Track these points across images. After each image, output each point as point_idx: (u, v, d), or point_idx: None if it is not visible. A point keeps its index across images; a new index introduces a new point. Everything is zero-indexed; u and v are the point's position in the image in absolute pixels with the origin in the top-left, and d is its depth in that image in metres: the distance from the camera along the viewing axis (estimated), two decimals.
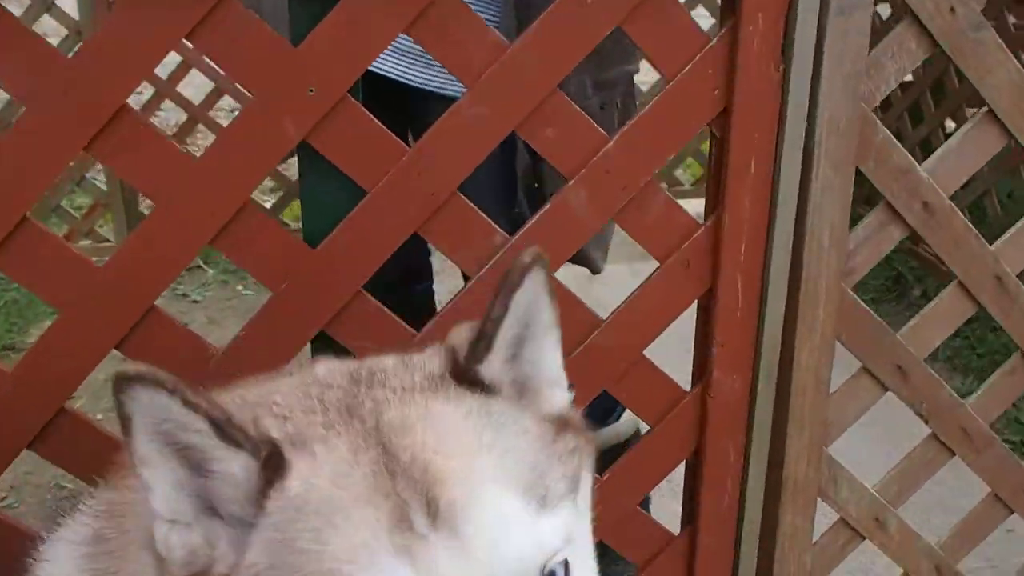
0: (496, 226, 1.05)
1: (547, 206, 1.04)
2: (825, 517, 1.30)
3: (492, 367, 0.70)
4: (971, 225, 1.20)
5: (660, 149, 1.06)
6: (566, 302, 1.09)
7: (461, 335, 0.72)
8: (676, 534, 1.25)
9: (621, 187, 1.05)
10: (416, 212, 1.00)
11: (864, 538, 1.33)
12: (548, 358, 0.74)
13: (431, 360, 0.71)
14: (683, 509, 1.26)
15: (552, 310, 0.71)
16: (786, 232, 1.11)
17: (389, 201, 0.99)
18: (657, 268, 1.11)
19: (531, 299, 0.70)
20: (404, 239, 1.01)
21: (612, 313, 1.12)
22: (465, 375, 0.70)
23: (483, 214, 1.04)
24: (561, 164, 1.04)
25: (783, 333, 1.15)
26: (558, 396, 0.75)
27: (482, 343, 0.69)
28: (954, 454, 1.32)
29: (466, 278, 1.12)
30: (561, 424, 0.72)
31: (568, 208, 1.05)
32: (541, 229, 1.04)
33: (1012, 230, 1.23)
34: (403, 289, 1.59)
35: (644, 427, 1.86)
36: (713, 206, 1.10)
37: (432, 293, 1.83)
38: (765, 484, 1.22)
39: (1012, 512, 1.38)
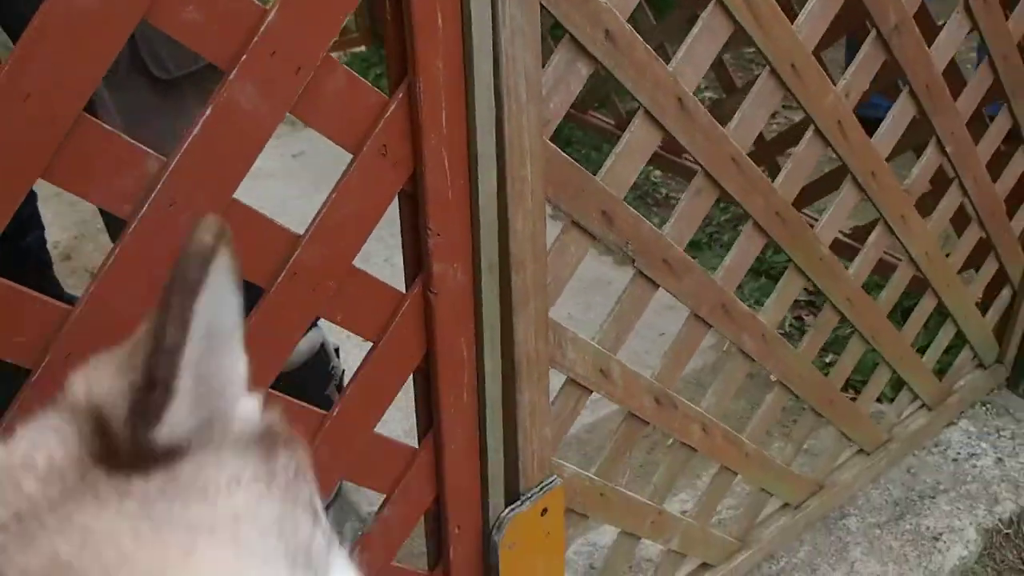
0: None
1: (207, 111, 0.80)
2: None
3: (175, 422, 0.41)
4: (652, 50, 1.12)
5: (330, 16, 0.85)
6: (255, 225, 0.88)
7: (103, 383, 0.41)
8: (417, 447, 1.12)
9: (293, 69, 0.84)
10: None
11: (591, 391, 1.28)
12: (237, 365, 0.46)
13: (50, 442, 0.40)
14: (419, 418, 1.12)
15: (238, 298, 0.44)
16: (486, 91, 0.96)
17: None
18: (352, 160, 0.92)
19: (218, 298, 0.43)
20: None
21: (311, 224, 0.92)
22: (132, 456, 0.40)
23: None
24: (215, 54, 0.80)
25: (499, 202, 1.02)
26: (250, 405, 0.47)
27: (155, 394, 0.40)
28: (658, 286, 1.29)
29: None
30: (268, 441, 0.46)
31: (238, 109, 0.82)
32: (210, 145, 0.81)
33: (684, 45, 1.18)
34: (12, 242, 1.28)
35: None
36: (401, 75, 0.92)
37: (44, 242, 1.53)
38: (501, 369, 1.12)
39: (710, 327, 1.40)
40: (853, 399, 1.90)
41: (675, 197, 3.08)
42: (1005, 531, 2.01)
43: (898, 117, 1.53)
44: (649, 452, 2.11)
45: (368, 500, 1.89)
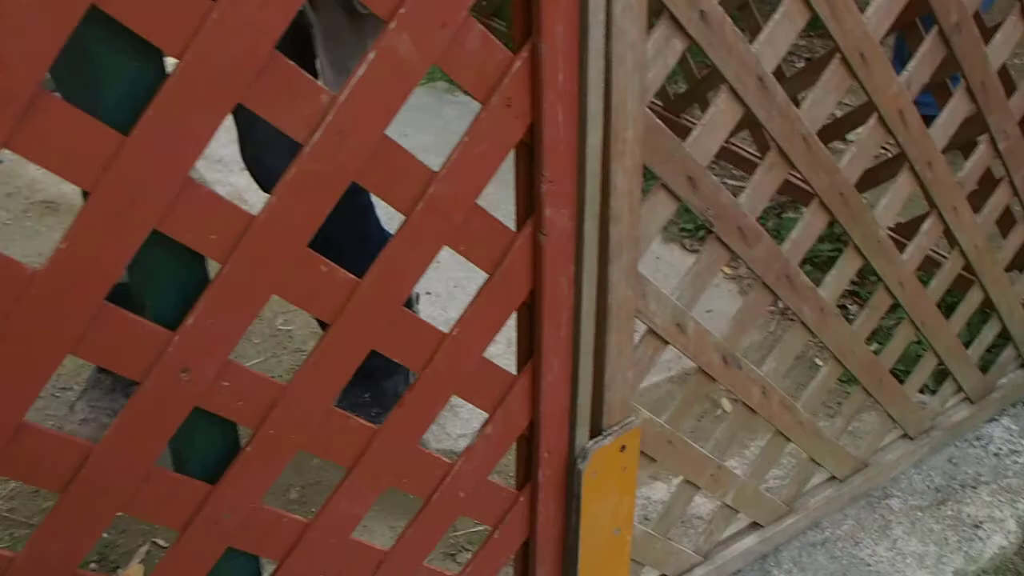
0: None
1: (371, 55, 0.96)
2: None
3: None
4: (739, 31, 1.26)
5: None
6: (400, 159, 1.03)
7: None
8: (516, 374, 1.26)
9: (440, 24, 0.99)
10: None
11: (667, 343, 1.42)
12: None
13: None
14: (519, 348, 1.26)
15: None
16: (598, 56, 1.10)
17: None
18: (481, 109, 1.07)
19: None
20: None
21: (445, 162, 1.06)
22: None
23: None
24: (379, 7, 0.95)
25: (603, 159, 1.16)
26: None
27: None
28: (731, 252, 1.43)
29: None
30: None
31: (396, 54, 0.97)
32: (371, 83, 0.96)
33: (766, 29, 1.32)
34: None
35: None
36: (526, 34, 1.07)
37: None
38: (596, 314, 1.25)
39: (776, 297, 1.53)
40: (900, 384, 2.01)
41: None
42: None
43: (953, 112, 1.66)
44: (699, 420, 2.23)
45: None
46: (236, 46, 0.85)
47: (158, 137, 0.84)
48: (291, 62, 0.91)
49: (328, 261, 1.01)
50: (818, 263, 2.68)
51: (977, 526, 2.06)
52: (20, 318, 0.83)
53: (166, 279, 0.94)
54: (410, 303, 1.93)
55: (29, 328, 0.84)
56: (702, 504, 1.97)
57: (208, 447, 1.05)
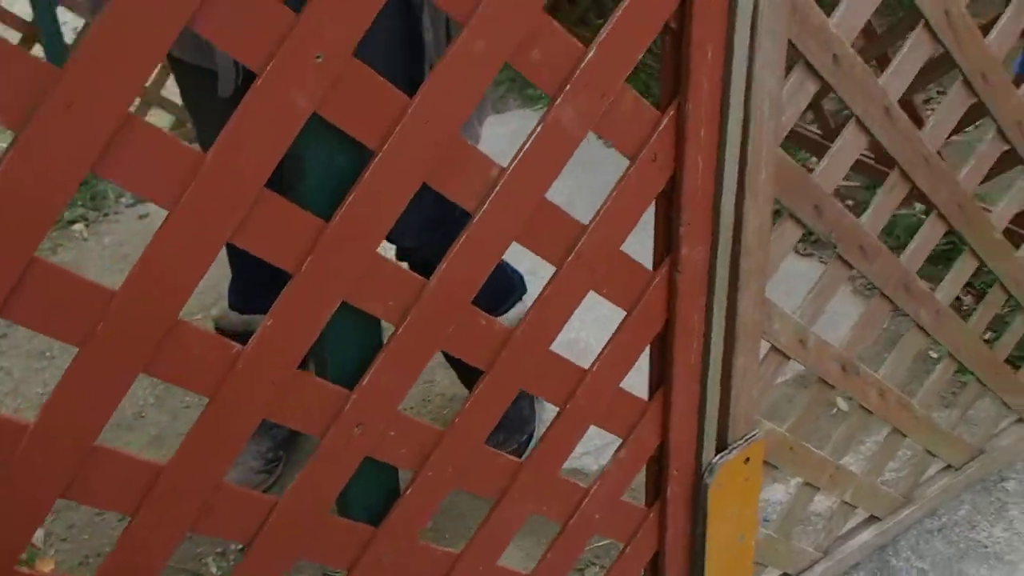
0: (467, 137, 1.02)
1: (540, 126, 1.02)
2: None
3: None
4: (868, 67, 1.30)
5: (630, 52, 1.06)
6: (557, 217, 1.10)
7: None
8: (648, 400, 1.34)
9: (600, 95, 1.05)
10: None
11: (789, 358, 1.48)
12: None
13: None
14: (651, 376, 1.34)
15: None
16: (738, 107, 1.15)
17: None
18: (629, 166, 1.13)
19: None
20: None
21: (594, 218, 1.13)
22: None
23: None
24: (546, 84, 1.01)
25: (737, 199, 1.22)
26: None
27: None
28: (852, 268, 1.47)
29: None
30: None
31: (560, 126, 1.03)
32: (537, 155, 1.03)
33: (895, 61, 1.35)
34: None
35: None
36: (673, 94, 1.12)
37: None
38: (725, 339, 1.32)
39: (895, 307, 1.58)
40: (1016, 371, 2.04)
41: None
42: None
43: None
44: (816, 419, 2.28)
45: None
46: (427, 134, 0.93)
47: (357, 219, 0.93)
48: (467, 143, 0.98)
49: (486, 315, 1.09)
50: (931, 257, 2.68)
51: None
52: (231, 390, 0.93)
53: (348, 342, 1.04)
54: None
55: (238, 399, 0.94)
56: (819, 501, 2.03)
57: (371, 491, 1.15)
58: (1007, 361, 1.95)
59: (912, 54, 1.34)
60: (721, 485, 1.42)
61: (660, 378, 1.33)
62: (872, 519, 1.91)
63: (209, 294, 2.73)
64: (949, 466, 2.01)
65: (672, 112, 1.12)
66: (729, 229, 1.23)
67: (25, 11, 3.28)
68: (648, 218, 1.21)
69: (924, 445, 1.88)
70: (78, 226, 3.18)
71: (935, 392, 1.84)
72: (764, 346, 1.44)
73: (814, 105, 3.18)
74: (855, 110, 1.31)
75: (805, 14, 1.19)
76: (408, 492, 1.14)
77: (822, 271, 1.49)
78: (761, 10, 1.11)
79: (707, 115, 1.14)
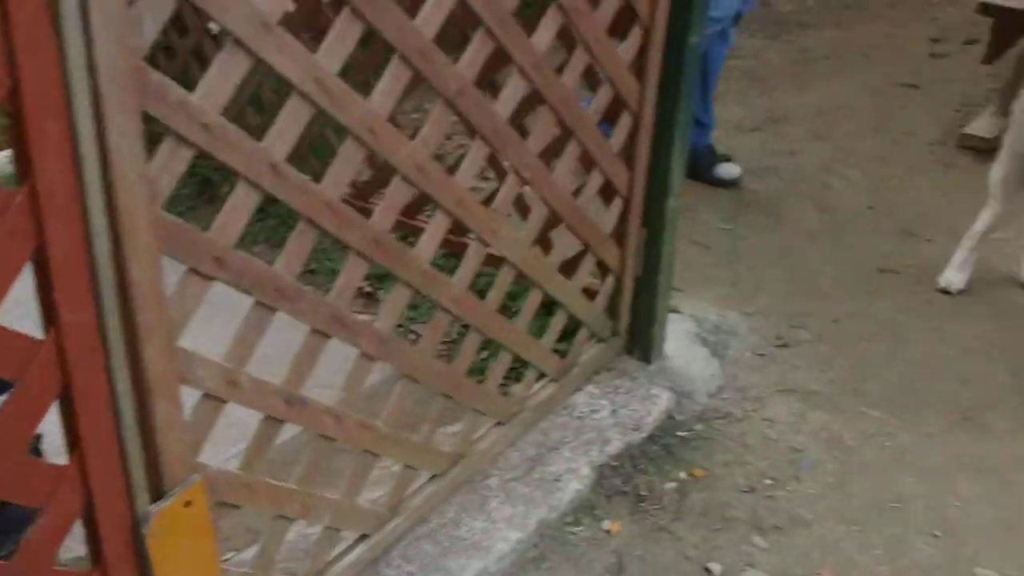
0: None
1: None
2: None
3: None
4: (241, 129, 1.42)
5: None
6: None
7: None
8: (65, 464, 1.36)
9: None
10: None
11: (226, 401, 1.57)
12: None
13: None
14: (67, 439, 1.37)
15: None
16: (97, 179, 1.22)
17: None
18: None
19: None
20: None
21: None
22: None
23: None
24: None
25: (115, 261, 1.28)
26: None
27: None
28: (275, 310, 1.59)
29: None
30: None
31: None
32: None
33: (278, 122, 1.49)
34: None
35: None
36: (25, 174, 1.17)
37: None
38: (134, 393, 1.38)
39: (329, 337, 1.73)
40: (480, 382, 2.28)
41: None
42: (612, 464, 2.49)
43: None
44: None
45: None
46: None
47: None
48: None
49: None
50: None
51: (557, 479, 2.40)
52: None
53: None
54: None
55: None
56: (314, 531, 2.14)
57: None
58: (474, 371, 2.19)
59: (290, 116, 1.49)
60: (161, 533, 1.47)
61: (74, 440, 1.36)
62: (364, 537, 2.06)
63: None
64: (435, 476, 2.22)
65: (26, 189, 1.17)
66: (113, 291, 1.30)
67: None
68: None
69: (400, 460, 2.06)
70: None
71: (399, 411, 2.02)
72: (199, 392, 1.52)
73: None
74: (239, 168, 1.43)
75: (162, 92, 1.29)
76: None
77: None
78: (103, 91, 1.19)
79: (63, 188, 1.19)
